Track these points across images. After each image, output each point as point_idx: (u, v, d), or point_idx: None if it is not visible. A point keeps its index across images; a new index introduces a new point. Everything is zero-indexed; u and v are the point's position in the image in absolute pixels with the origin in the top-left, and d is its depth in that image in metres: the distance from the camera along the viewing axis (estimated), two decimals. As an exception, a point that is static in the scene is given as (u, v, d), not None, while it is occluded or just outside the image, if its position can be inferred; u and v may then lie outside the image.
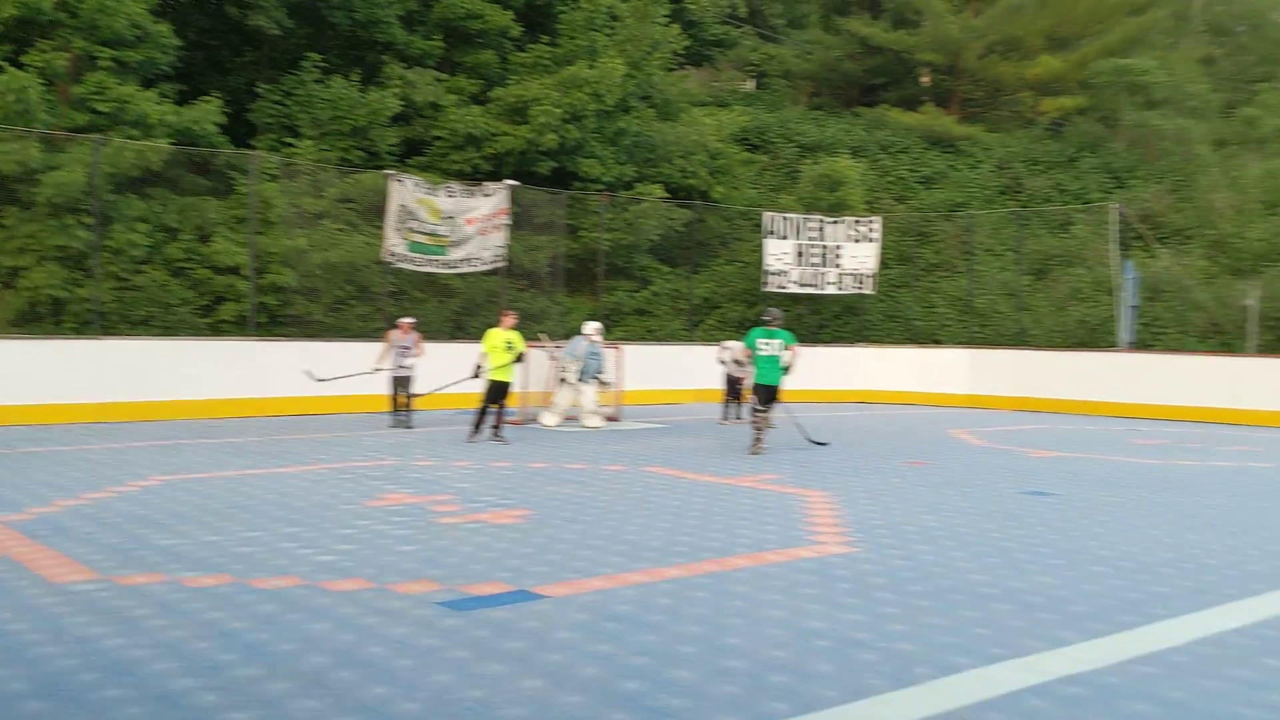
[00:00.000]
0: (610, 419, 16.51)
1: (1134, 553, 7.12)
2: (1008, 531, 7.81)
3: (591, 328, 15.92)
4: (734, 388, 17.33)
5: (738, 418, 17.02)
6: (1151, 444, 15.02)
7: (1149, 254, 25.91)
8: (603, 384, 16.00)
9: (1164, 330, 24.29)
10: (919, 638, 5.03)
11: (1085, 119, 32.99)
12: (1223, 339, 23.43)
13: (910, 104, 33.93)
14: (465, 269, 19.94)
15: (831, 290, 24.94)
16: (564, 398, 15.71)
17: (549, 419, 15.71)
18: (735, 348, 16.74)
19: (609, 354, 16.53)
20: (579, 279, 23.61)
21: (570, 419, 15.93)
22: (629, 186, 25.04)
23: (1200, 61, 37.40)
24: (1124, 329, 22.92)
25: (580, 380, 15.59)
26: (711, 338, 23.65)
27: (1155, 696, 4.26)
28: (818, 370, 22.38)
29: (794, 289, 24.49)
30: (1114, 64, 31.87)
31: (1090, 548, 7.28)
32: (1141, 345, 23.01)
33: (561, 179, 23.85)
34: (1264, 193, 29.09)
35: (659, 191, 25.11)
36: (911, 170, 32.04)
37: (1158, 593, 6.03)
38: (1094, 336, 24.36)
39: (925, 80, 35.34)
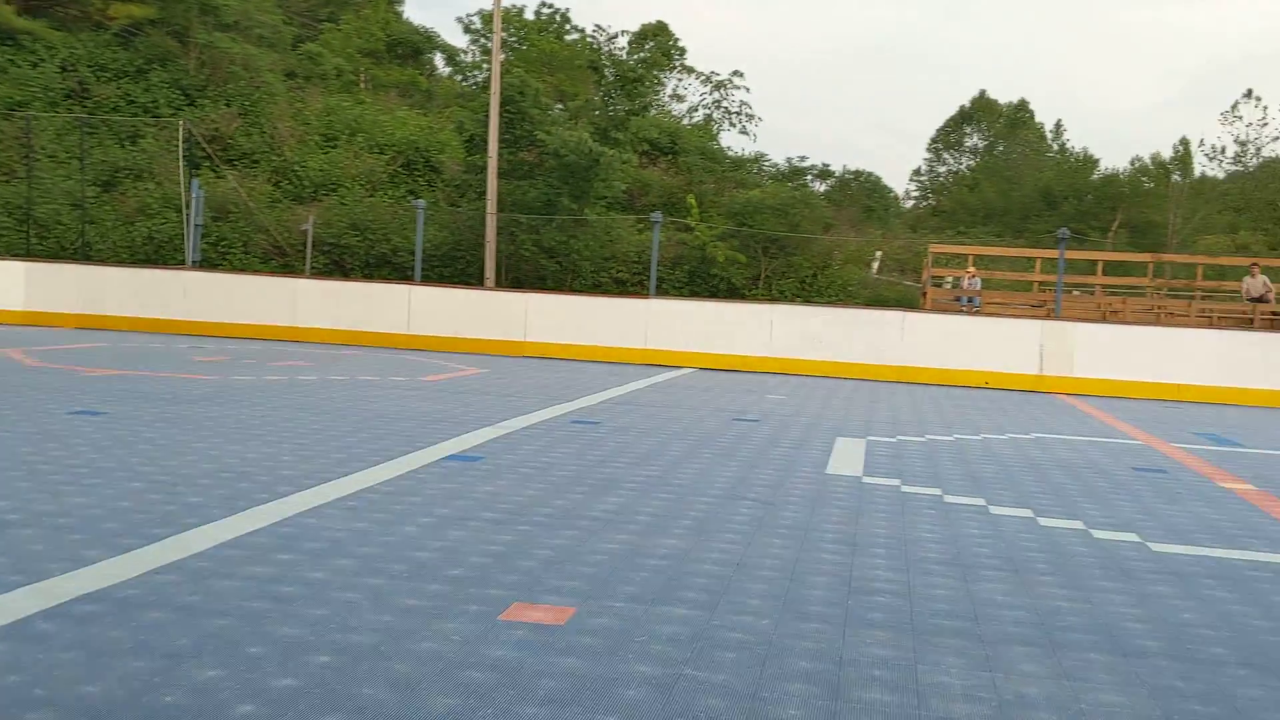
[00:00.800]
0: None
1: (175, 466, 7.24)
2: (45, 454, 7.40)
3: None
4: None
5: None
6: (212, 360, 15.41)
7: (217, 174, 26.36)
8: None
9: (230, 250, 25.03)
10: (-81, 578, 4.52)
11: (157, 31, 32.24)
12: (284, 260, 24.90)
13: (-41, -18, 29.90)
14: None
15: None
16: None
17: None
18: None
19: None
20: None
21: None
22: None
23: (272, -8, 38.81)
24: (191, 247, 23.08)
25: None
26: None
27: (171, 602, 4.37)
28: None
29: None
30: (186, -20, 31.60)
31: (133, 464, 7.23)
32: (208, 264, 23.41)
33: None
34: (324, 126, 31.43)
35: None
36: (-39, 58, 28.39)
37: (193, 503, 6.20)
38: (162, 253, 24.15)
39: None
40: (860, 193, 46.56)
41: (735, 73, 49.17)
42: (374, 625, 4.22)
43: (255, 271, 23.49)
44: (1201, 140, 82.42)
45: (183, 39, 32.04)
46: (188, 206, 23.51)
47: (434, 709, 3.43)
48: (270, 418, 9.88)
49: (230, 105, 30.33)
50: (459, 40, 68.92)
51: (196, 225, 23.19)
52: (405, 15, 49.83)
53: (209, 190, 24.43)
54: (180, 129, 26.02)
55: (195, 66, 31.70)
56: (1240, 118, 58.23)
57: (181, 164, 25.47)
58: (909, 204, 65.83)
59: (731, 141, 69.37)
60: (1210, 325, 22.72)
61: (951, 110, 74.50)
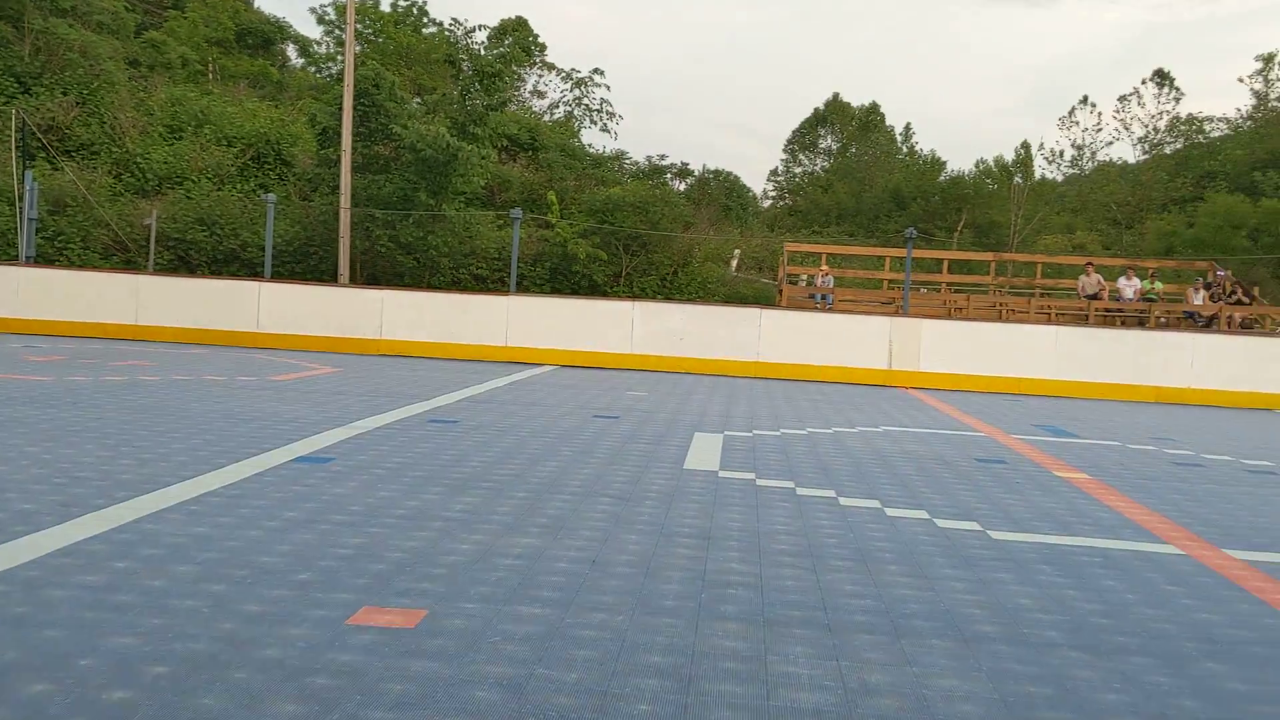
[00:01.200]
0: None
1: (5, 472, 6.87)
2: None
3: None
4: None
5: None
6: (46, 360, 14.69)
7: (53, 166, 25.13)
8: None
9: (68, 245, 23.89)
10: None
11: (-13, 15, 30.58)
12: (126, 256, 23.88)
13: None
14: None
15: None
16: None
17: None
18: None
19: None
20: None
21: None
22: None
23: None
24: (25, 242, 21.95)
25: None
26: None
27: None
28: None
29: None
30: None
31: (-44, 471, 6.83)
32: (43, 260, 22.31)
33: None
34: (169, 117, 30.26)
35: None
36: None
37: (23, 510, 5.90)
38: (-7, 249, 22.90)
39: None
40: (719, 192, 47.21)
41: (595, 70, 49.28)
42: (214, 633, 4.08)
43: (95, 268, 22.50)
44: (1041, 144, 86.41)
45: (16, 24, 30.37)
46: (21, 199, 22.34)
47: (276, 716, 3.33)
48: (108, 420, 9.46)
49: (67, 94, 28.91)
50: (312, 31, 67.25)
51: (31, 219, 22.04)
52: (255, 4, 48.42)
53: (44, 183, 23.27)
54: (13, 118, 24.69)
55: (30, 53, 30.08)
56: (1077, 123, 61.15)
57: (15, 155, 24.18)
58: (766, 204, 67.10)
59: (592, 139, 69.52)
60: (1049, 321, 23.78)
61: (807, 112, 76.09)
